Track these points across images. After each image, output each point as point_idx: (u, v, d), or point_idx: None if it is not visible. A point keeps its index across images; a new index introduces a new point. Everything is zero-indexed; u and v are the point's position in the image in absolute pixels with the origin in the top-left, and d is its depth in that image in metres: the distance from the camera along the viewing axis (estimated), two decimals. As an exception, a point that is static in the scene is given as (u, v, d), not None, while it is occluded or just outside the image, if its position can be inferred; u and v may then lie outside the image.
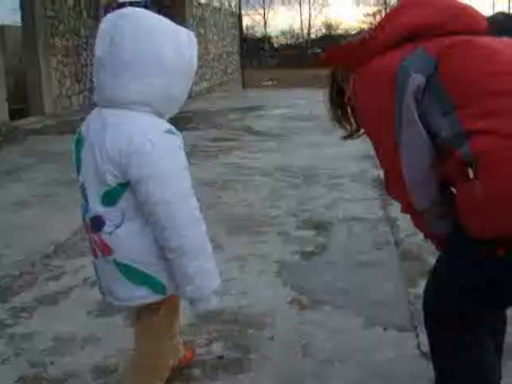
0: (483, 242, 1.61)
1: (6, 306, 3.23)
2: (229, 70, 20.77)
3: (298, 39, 43.21)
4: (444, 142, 1.66)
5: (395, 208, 4.76)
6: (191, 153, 7.72)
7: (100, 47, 1.82)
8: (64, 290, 3.41)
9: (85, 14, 13.42)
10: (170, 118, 2.05)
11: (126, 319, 2.90)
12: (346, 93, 2.01)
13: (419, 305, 3.06)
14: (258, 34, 45.91)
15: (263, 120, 10.76)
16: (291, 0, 48.50)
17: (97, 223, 1.95)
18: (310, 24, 44.08)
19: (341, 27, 43.13)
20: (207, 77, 17.80)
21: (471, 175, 1.57)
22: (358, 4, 61.47)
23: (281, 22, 69.08)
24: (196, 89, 16.45)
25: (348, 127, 2.11)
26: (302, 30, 43.94)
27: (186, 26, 1.79)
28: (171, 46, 1.83)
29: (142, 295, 1.96)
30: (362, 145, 7.53)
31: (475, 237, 1.62)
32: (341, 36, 40.41)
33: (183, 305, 3.10)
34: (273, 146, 8.01)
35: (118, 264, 1.93)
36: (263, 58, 36.98)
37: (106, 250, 1.95)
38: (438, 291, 1.90)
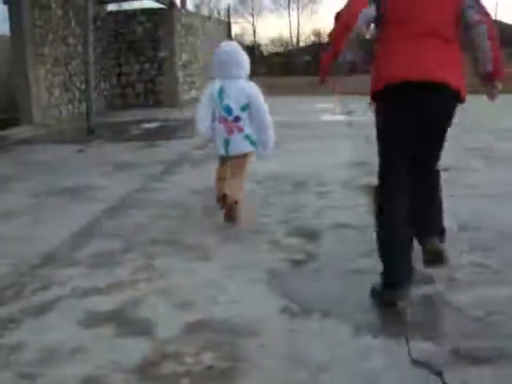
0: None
1: (-7, 318, 3.20)
2: (218, 79, 20.77)
3: (287, 47, 43.29)
4: None
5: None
6: (181, 160, 7.72)
7: (228, 58, 4.59)
8: (52, 301, 3.38)
9: (73, 23, 13.39)
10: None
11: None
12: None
13: (410, 312, 3.07)
14: (248, 42, 46.00)
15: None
16: (280, 8, 48.69)
17: (237, 119, 4.58)
18: (298, 32, 44.25)
19: (330, 35, 43.26)
20: (197, 85, 17.79)
21: None
22: (346, 12, 61.64)
23: (270, 29, 69.37)
24: (185, 97, 16.45)
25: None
26: (291, 37, 44.10)
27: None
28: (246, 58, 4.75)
29: (251, 148, 4.71)
30: (352, 153, 7.58)
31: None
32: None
33: (168, 315, 3.10)
34: (262, 153, 8.00)
35: (245, 135, 4.62)
36: (252, 65, 37.03)
37: (240, 129, 4.60)
38: (381, 149, 3.22)
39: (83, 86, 12.46)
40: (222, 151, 4.67)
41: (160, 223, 4.84)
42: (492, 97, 3.22)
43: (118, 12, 17.13)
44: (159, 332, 2.96)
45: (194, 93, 17.37)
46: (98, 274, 3.79)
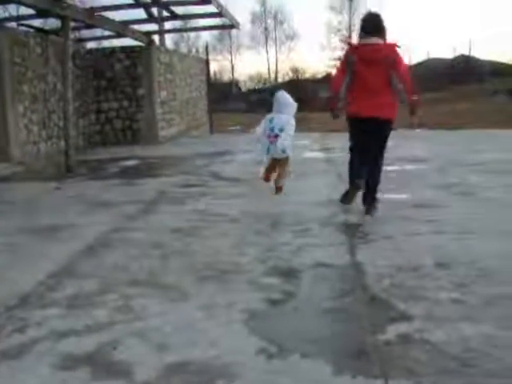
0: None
1: (-33, 362, 3.14)
2: (197, 116, 20.87)
3: (265, 83, 43.74)
4: None
5: (362, 253, 4.81)
6: (160, 199, 7.72)
7: (282, 101, 7.66)
8: (29, 343, 3.34)
9: (52, 60, 13.44)
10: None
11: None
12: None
13: (388, 351, 3.08)
14: (226, 79, 46.38)
15: (231, 165, 10.81)
16: (258, 45, 49.25)
17: (276, 135, 7.49)
18: (277, 69, 44.81)
19: (308, 71, 43.85)
20: (175, 122, 17.86)
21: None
22: (323, 49, 63.17)
23: (248, 66, 70.24)
24: (164, 134, 16.51)
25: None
26: (269, 74, 44.62)
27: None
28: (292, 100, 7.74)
29: (282, 154, 7.63)
30: (330, 190, 7.62)
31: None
32: (307, 80, 41.06)
33: (145, 357, 3.07)
34: (240, 191, 8.02)
35: (280, 144, 7.54)
36: (231, 102, 37.29)
37: (275, 140, 7.53)
38: (351, 139, 6.42)
39: (62, 123, 12.45)
40: (266, 153, 7.66)
41: (138, 263, 4.82)
42: (415, 117, 6.01)
43: (97, 49, 17.23)
44: (137, 374, 2.94)
45: (173, 130, 17.43)
46: (74, 315, 3.75)
